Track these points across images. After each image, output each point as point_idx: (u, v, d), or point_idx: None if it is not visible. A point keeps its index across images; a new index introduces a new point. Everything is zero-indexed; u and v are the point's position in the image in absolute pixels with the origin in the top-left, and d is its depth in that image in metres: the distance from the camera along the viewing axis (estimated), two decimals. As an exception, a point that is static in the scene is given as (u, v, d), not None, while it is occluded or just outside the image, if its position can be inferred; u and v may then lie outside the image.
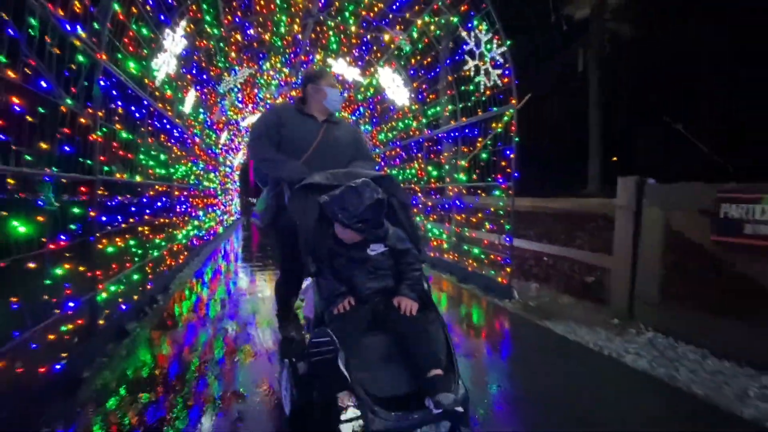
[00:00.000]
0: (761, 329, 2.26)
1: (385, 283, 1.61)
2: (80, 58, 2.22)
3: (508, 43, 3.70)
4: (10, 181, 1.67)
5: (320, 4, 4.77)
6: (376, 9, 4.66)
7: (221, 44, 5.16)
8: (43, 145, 1.90)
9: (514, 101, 3.79)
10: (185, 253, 5.39)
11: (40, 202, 1.97)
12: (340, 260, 1.60)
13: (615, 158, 12.88)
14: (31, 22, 1.74)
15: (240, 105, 8.64)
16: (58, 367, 2.02)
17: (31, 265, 1.80)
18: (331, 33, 5.51)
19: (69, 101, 2.09)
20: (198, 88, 5.37)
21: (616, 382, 2.28)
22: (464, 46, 4.14)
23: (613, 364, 2.48)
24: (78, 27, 2.13)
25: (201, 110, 6.07)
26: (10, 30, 1.57)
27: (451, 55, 4.49)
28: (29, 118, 1.76)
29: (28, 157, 1.81)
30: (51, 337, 2.04)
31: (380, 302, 1.56)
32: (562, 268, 4.69)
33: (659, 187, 2.86)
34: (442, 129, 5.15)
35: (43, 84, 1.85)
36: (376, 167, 2.21)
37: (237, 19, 4.75)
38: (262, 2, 4.62)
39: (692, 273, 2.60)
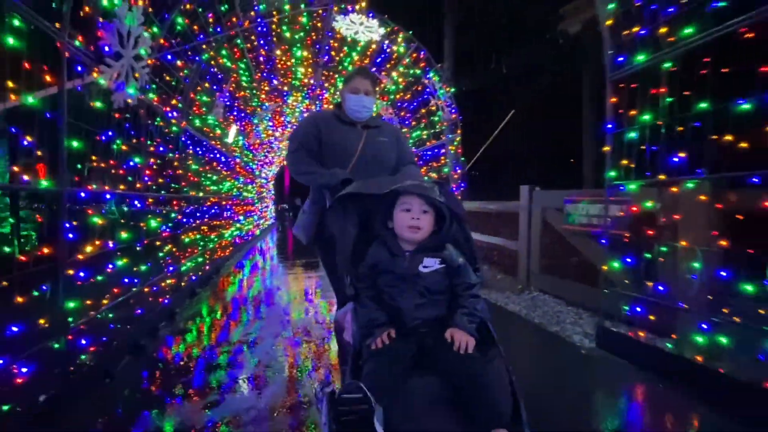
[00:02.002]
0: (583, 285, 3.53)
1: (437, 311, 1.35)
2: (174, 128, 3.91)
3: (453, 90, 5.11)
4: (150, 200, 3.33)
5: (325, 60, 6.37)
6: (365, 62, 6.19)
7: (254, 91, 6.89)
8: (160, 180, 3.58)
9: (459, 131, 5.17)
10: (230, 248, 7.16)
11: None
12: (386, 278, 1.38)
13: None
14: (157, 119, 3.42)
15: (271, 129, 10.48)
16: (165, 302, 3.67)
17: (157, 242, 3.47)
18: (336, 75, 7.11)
19: (171, 154, 3.77)
20: (237, 122, 7.14)
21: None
22: (427, 90, 5.58)
23: (498, 309, 3.82)
24: (174, 112, 3.82)
25: (240, 137, 7.87)
26: (150, 128, 3.24)
27: (420, 96, 5.94)
28: (155, 167, 3.44)
29: (154, 187, 3.49)
30: (163, 284, 3.71)
31: (428, 335, 1.30)
32: (514, 256, 5.95)
33: (540, 192, 4.15)
34: (420, 149, 6.58)
35: (161, 149, 3.53)
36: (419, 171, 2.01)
37: (264, 74, 6.46)
38: (281, 61, 6.28)
39: (554, 251, 3.88)
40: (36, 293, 1.86)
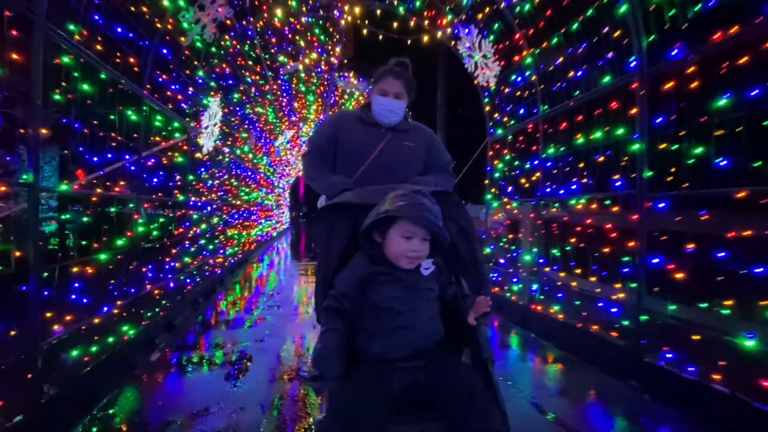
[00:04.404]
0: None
1: (438, 326, 1.22)
2: (227, 159, 5.99)
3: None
4: (214, 207, 5.37)
5: (332, 102, 8.45)
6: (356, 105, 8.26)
7: (277, 123, 9.03)
8: (213, 196, 5.63)
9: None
10: (255, 244, 9.24)
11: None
12: (387, 289, 1.18)
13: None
14: (219, 155, 5.48)
15: (289, 149, 12.66)
16: (218, 272, 5.68)
17: (216, 233, 5.52)
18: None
19: (225, 177, 5.84)
20: (263, 147, 9.28)
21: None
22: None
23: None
24: (226, 149, 5.88)
25: (264, 157, 10.01)
26: (215, 162, 5.29)
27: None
28: (215, 186, 5.50)
29: (215, 198, 5.53)
30: (214, 261, 5.74)
31: (416, 370, 1.11)
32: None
33: (469, 206, 6.04)
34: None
35: (220, 173, 5.59)
36: (452, 181, 1.87)
37: (285, 113, 8.57)
38: (299, 103, 8.39)
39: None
40: (156, 261, 3.89)
